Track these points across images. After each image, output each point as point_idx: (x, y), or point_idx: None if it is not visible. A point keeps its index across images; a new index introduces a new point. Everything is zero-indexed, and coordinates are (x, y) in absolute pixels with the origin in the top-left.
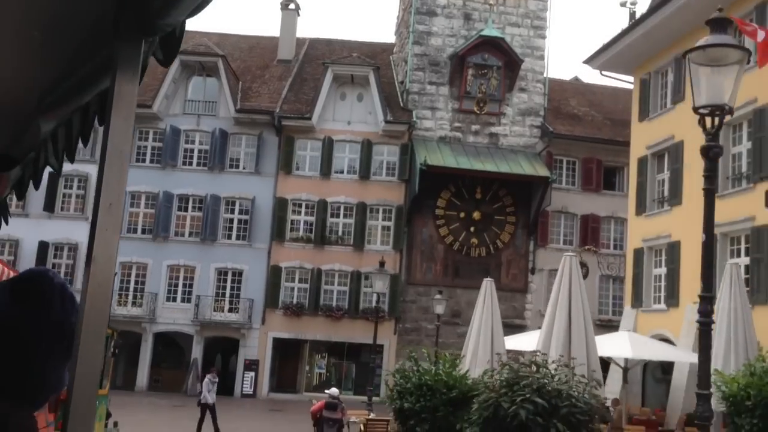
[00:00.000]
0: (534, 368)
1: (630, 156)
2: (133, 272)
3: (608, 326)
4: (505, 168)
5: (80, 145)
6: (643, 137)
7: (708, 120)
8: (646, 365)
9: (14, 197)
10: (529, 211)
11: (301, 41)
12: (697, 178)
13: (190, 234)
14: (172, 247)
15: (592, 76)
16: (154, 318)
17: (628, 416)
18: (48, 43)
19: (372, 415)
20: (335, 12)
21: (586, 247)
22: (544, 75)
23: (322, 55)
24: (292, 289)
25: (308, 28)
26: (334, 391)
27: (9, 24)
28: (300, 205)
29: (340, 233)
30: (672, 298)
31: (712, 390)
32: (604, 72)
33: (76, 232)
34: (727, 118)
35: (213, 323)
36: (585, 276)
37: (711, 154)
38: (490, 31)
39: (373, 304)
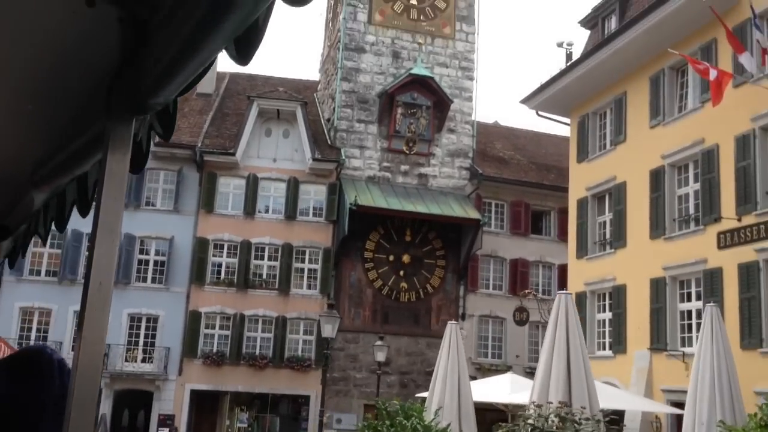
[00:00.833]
0: (557, 421)
1: (569, 197)
2: (35, 318)
3: None
4: (436, 210)
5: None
6: (582, 178)
7: None
8: None
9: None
10: (459, 255)
11: (221, 75)
12: (640, 220)
13: None
14: (80, 291)
15: (513, 121)
16: None
17: None
18: (41, 117)
19: None
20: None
21: (526, 291)
22: (473, 117)
23: (243, 90)
24: (213, 336)
25: (228, 62)
26: None
27: (3, 96)
28: (222, 246)
29: (264, 276)
30: (619, 344)
31: None
32: (540, 112)
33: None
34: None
35: (124, 374)
36: (525, 322)
37: None
38: (420, 70)
39: (321, 351)
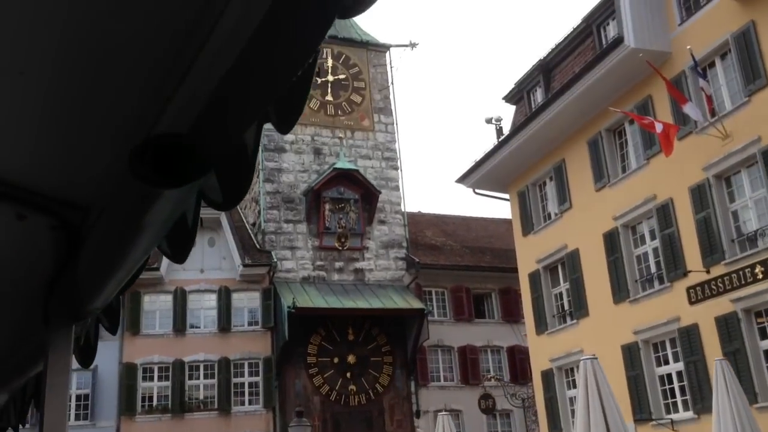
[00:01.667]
0: None
1: (519, 272)
2: None
3: None
4: (378, 303)
5: None
6: (530, 252)
7: None
8: None
9: None
10: (406, 349)
11: None
12: (600, 285)
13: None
14: None
15: (440, 208)
16: None
17: None
18: None
19: None
20: None
21: (490, 376)
22: (402, 206)
23: None
24: None
25: None
26: None
27: None
28: (152, 370)
29: (201, 397)
30: None
31: None
32: (477, 190)
33: None
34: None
35: None
36: (492, 409)
37: None
38: (344, 164)
39: None
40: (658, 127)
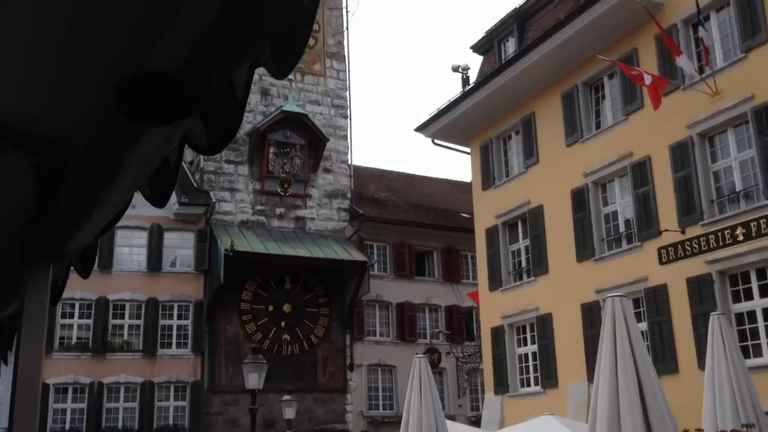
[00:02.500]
0: None
1: (475, 227)
2: None
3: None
4: (319, 253)
5: None
6: (489, 206)
7: None
8: None
9: None
10: (344, 302)
11: None
12: (563, 243)
13: None
14: None
15: (380, 164)
16: None
17: None
18: None
19: None
20: None
21: (437, 330)
22: (348, 156)
23: None
24: (65, 411)
25: None
26: None
27: None
28: (73, 306)
29: (125, 337)
30: (548, 377)
31: None
32: (436, 141)
33: None
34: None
35: None
36: (437, 364)
37: None
38: (292, 107)
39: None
40: (647, 79)
